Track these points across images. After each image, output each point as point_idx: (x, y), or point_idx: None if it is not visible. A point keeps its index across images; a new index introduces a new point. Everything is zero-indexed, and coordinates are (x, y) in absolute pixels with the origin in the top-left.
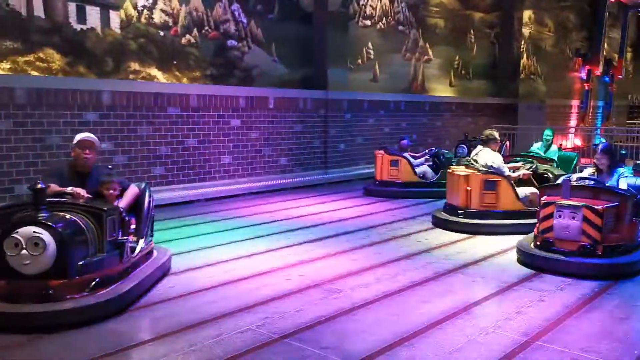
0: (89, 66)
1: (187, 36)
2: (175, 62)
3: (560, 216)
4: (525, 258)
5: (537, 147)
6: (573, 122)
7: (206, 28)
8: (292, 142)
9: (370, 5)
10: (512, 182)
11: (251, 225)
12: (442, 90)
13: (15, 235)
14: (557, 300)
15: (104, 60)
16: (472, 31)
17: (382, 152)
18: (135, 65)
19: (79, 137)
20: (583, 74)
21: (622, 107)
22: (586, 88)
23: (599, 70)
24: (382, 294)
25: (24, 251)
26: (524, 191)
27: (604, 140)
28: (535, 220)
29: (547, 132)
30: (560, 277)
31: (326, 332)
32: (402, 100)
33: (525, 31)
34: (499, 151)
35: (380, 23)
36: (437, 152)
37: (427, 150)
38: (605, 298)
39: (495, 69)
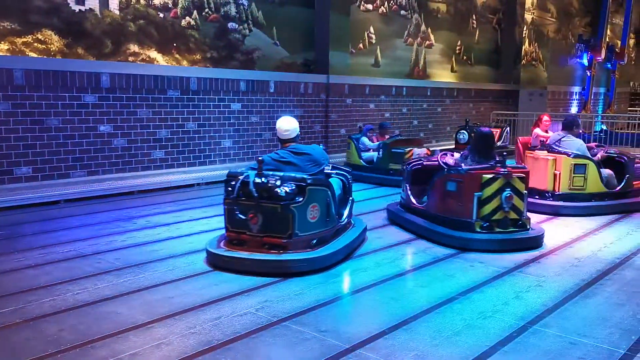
0: (88, 48)
1: (187, 18)
2: (175, 45)
3: None
4: None
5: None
6: (574, 109)
7: (206, 10)
8: None
9: None
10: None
11: None
12: (443, 75)
13: None
14: (555, 286)
15: (102, 42)
16: (474, 16)
17: None
18: (134, 48)
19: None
20: (585, 61)
21: (624, 95)
22: (588, 75)
23: (601, 57)
24: (381, 279)
25: None
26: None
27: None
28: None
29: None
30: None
31: (325, 316)
32: (403, 85)
33: (528, 17)
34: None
35: (382, 7)
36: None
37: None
38: (603, 284)
39: (497, 54)
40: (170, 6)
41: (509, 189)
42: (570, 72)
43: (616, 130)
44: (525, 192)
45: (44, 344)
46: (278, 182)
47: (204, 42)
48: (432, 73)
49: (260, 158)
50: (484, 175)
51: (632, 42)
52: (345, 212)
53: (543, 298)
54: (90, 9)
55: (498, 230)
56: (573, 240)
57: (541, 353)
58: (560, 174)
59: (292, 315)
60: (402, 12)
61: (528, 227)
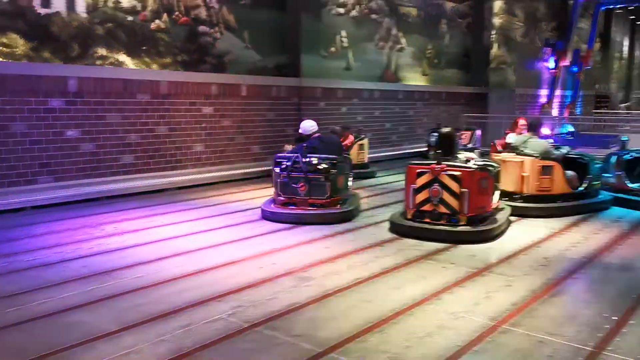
0: (55, 51)
1: (157, 21)
2: (144, 48)
3: None
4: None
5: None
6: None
7: (176, 13)
8: (265, 129)
9: None
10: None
11: (224, 214)
12: (415, 79)
13: None
14: (524, 285)
15: (70, 45)
16: (444, 20)
17: None
18: (102, 51)
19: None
20: (551, 64)
21: (589, 97)
22: (551, 75)
23: (567, 60)
24: (354, 281)
25: None
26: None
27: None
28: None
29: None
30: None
31: (298, 320)
32: (375, 88)
33: (496, 21)
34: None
35: (353, 11)
36: None
37: None
38: (571, 283)
39: (467, 58)
40: (139, 9)
41: (436, 184)
42: (538, 75)
43: (582, 132)
44: (463, 190)
45: (9, 355)
46: (319, 161)
47: (174, 45)
48: (403, 76)
49: (304, 145)
50: (417, 169)
51: (597, 45)
52: (350, 184)
53: (512, 297)
54: (56, 12)
55: (426, 220)
56: (541, 240)
57: (511, 352)
58: (528, 175)
59: (265, 320)
60: (373, 15)
61: (463, 224)
